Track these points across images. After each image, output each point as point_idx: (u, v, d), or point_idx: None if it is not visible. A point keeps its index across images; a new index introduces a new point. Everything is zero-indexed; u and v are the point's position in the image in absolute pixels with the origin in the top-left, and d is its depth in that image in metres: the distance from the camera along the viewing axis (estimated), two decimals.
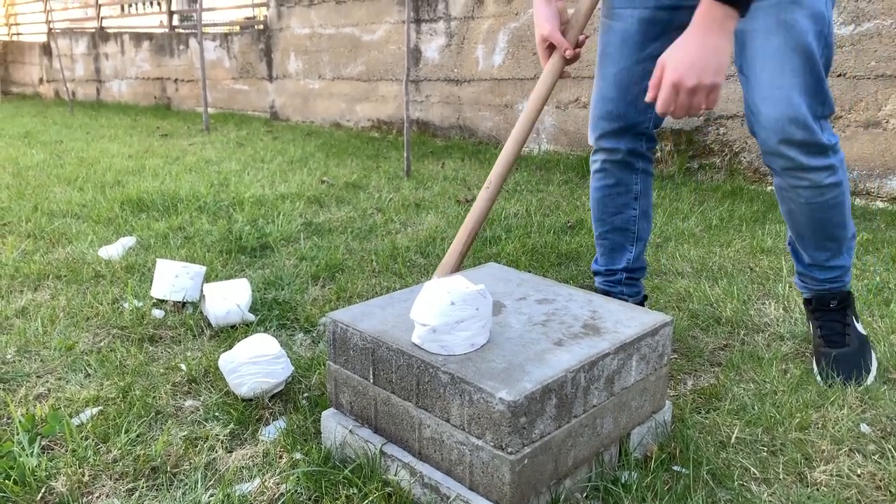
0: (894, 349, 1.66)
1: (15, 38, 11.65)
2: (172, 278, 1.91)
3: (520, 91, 4.78)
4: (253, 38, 6.84)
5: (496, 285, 1.39)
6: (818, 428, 1.35)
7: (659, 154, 3.99)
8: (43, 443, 1.29)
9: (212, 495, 1.14)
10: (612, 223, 1.71)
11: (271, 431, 1.33)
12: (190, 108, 7.74)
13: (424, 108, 5.45)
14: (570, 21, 1.51)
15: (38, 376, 1.55)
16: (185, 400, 1.46)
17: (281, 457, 1.25)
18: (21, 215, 2.90)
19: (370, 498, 1.10)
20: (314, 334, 1.79)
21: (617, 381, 1.15)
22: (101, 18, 9.17)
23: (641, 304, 1.80)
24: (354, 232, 2.73)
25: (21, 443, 1.25)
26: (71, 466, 1.20)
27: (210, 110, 7.12)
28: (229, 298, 1.79)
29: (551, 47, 1.53)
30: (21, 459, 1.20)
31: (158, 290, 1.92)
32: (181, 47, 7.71)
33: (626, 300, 1.73)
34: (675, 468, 1.22)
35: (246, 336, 1.70)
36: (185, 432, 1.33)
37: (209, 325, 1.82)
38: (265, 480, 1.18)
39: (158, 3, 8.81)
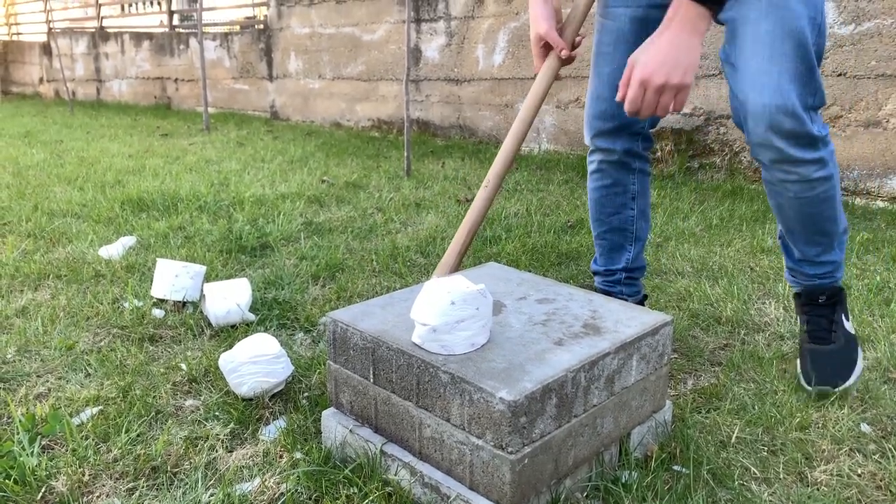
0: (895, 349, 1.66)
1: (15, 37, 11.65)
2: (173, 278, 1.91)
3: (520, 91, 4.78)
4: (253, 37, 6.84)
5: (496, 285, 1.39)
6: (818, 427, 1.35)
7: (659, 153, 3.99)
8: (43, 442, 1.29)
9: (212, 495, 1.14)
10: (609, 223, 1.71)
11: (271, 431, 1.33)
12: (190, 107, 7.74)
13: (424, 108, 5.45)
14: (566, 20, 1.50)
15: (38, 376, 1.55)
16: (185, 399, 1.46)
17: (281, 456, 1.25)
18: (21, 215, 2.90)
19: (370, 497, 1.10)
20: (314, 334, 1.79)
21: (617, 381, 1.15)
22: (101, 18, 9.17)
23: (641, 303, 1.80)
24: (355, 231, 2.73)
25: (21, 442, 1.25)
26: (71, 466, 1.20)
27: (210, 110, 7.12)
28: (229, 298, 1.79)
29: (546, 47, 1.53)
30: (21, 459, 1.20)
31: (158, 290, 1.92)
32: (181, 47, 7.71)
33: (626, 300, 1.72)
34: (676, 468, 1.21)
35: (246, 336, 1.70)
36: (186, 432, 1.33)
37: (209, 324, 1.82)
38: (265, 480, 1.18)
39: (158, 3, 8.81)
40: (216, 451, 1.27)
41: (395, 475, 1.13)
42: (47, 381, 1.53)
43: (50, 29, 9.81)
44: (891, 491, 1.17)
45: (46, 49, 9.94)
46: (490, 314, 1.13)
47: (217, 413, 1.39)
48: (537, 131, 4.70)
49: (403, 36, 5.42)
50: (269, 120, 6.76)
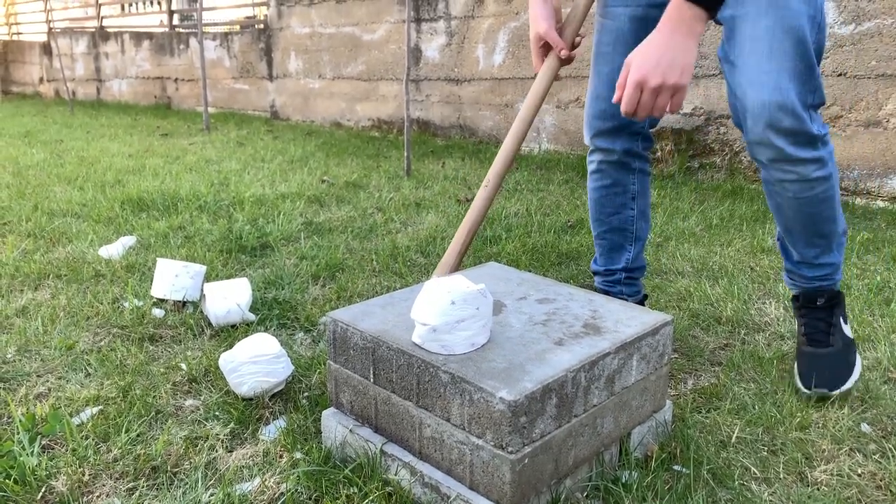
0: (895, 348, 1.66)
1: (15, 37, 11.65)
2: (173, 277, 1.91)
3: (520, 90, 4.78)
4: (253, 37, 6.84)
5: (496, 285, 1.39)
6: (819, 427, 1.35)
7: (659, 153, 3.99)
8: (43, 442, 1.29)
9: (212, 495, 1.14)
10: (609, 223, 1.71)
11: (271, 431, 1.33)
12: (190, 107, 7.74)
13: (425, 108, 5.45)
14: (566, 20, 1.50)
15: (38, 375, 1.55)
16: (185, 399, 1.46)
17: (281, 456, 1.25)
18: (21, 214, 2.90)
19: (370, 497, 1.10)
20: (314, 334, 1.79)
21: (617, 381, 1.15)
22: (102, 18, 9.17)
23: (641, 303, 1.80)
24: (355, 231, 2.73)
25: (21, 442, 1.25)
26: (71, 466, 1.20)
27: (210, 110, 7.12)
28: (229, 298, 1.79)
29: (546, 47, 1.53)
30: (21, 459, 1.20)
31: (159, 290, 1.92)
32: (181, 47, 7.71)
33: (626, 300, 1.72)
34: (676, 468, 1.21)
35: (246, 335, 1.70)
36: (186, 432, 1.33)
37: (209, 324, 1.82)
38: (265, 480, 1.18)
39: (159, 3, 8.81)
40: (216, 451, 1.27)
41: (396, 475, 1.13)
42: (47, 381, 1.53)
43: (50, 29, 9.81)
44: (891, 491, 1.17)
45: (46, 49, 9.94)
46: (490, 314, 1.13)
47: (217, 413, 1.39)
48: (537, 131, 4.70)
49: (403, 36, 5.42)
50: (270, 120, 6.76)
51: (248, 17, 7.96)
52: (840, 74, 3.29)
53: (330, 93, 6.19)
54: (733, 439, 1.31)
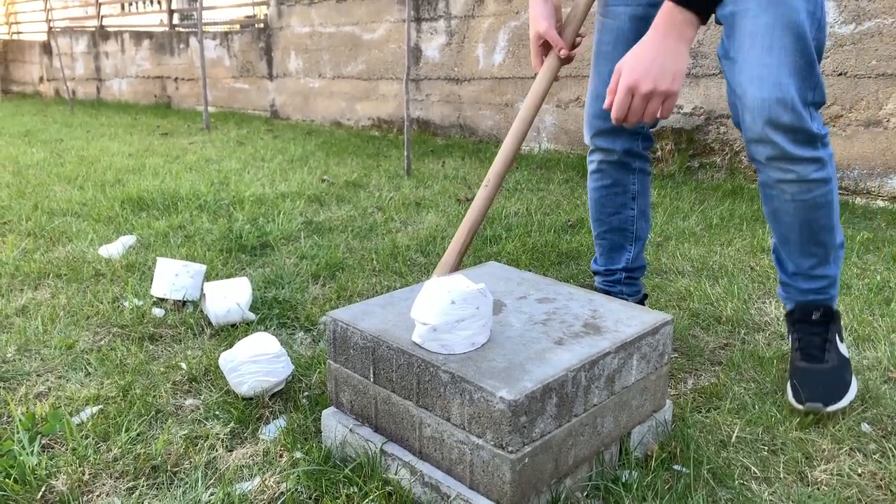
0: (895, 348, 1.66)
1: (15, 36, 11.64)
2: (173, 277, 1.91)
3: (520, 90, 4.78)
4: (253, 36, 6.84)
5: (496, 284, 1.39)
6: (819, 427, 1.35)
7: (659, 153, 3.99)
8: (43, 441, 1.29)
9: (212, 494, 1.14)
10: (609, 223, 1.71)
11: (271, 430, 1.33)
12: (190, 106, 7.74)
13: (425, 107, 5.45)
14: (566, 20, 1.50)
15: (38, 375, 1.55)
16: (185, 399, 1.46)
17: (281, 455, 1.25)
18: (21, 214, 2.90)
19: (370, 497, 1.10)
20: (314, 333, 1.79)
21: (617, 380, 1.15)
22: (102, 17, 9.17)
23: (641, 303, 1.80)
24: (355, 231, 2.73)
25: (21, 441, 1.25)
26: (71, 465, 1.20)
27: (210, 109, 7.12)
28: (229, 297, 1.79)
29: (546, 46, 1.52)
30: (21, 458, 1.19)
31: (159, 289, 1.92)
32: (181, 46, 7.70)
33: (626, 299, 1.72)
34: (676, 467, 1.21)
35: (246, 335, 1.70)
36: (186, 431, 1.33)
37: (209, 323, 1.82)
38: (265, 479, 1.18)
39: (159, 2, 8.81)
40: (216, 451, 1.27)
41: (396, 474, 1.13)
42: (47, 380, 1.53)
43: (50, 28, 9.81)
44: (891, 490, 1.17)
45: (46, 48, 9.93)
46: (490, 313, 1.12)
47: (217, 412, 1.39)
48: (537, 130, 4.69)
49: (404, 35, 5.42)
50: (270, 119, 6.76)
51: (248, 17, 7.95)
52: (840, 74, 3.29)
53: (330, 92, 6.19)
54: (733, 439, 1.31)
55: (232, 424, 1.35)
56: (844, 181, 3.34)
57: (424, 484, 1.08)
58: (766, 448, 1.29)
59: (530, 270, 2.25)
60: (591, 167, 1.70)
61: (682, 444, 1.26)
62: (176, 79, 7.89)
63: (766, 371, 1.57)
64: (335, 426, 1.23)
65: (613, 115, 1.22)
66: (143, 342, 1.72)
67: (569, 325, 1.20)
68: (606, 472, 1.17)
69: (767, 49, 1.23)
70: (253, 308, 1.89)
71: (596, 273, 1.79)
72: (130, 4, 9.32)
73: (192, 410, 1.41)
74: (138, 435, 1.31)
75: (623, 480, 1.15)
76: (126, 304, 1.93)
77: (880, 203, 3.24)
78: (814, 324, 1.45)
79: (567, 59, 1.51)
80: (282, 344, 1.65)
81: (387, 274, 2.23)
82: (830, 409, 1.36)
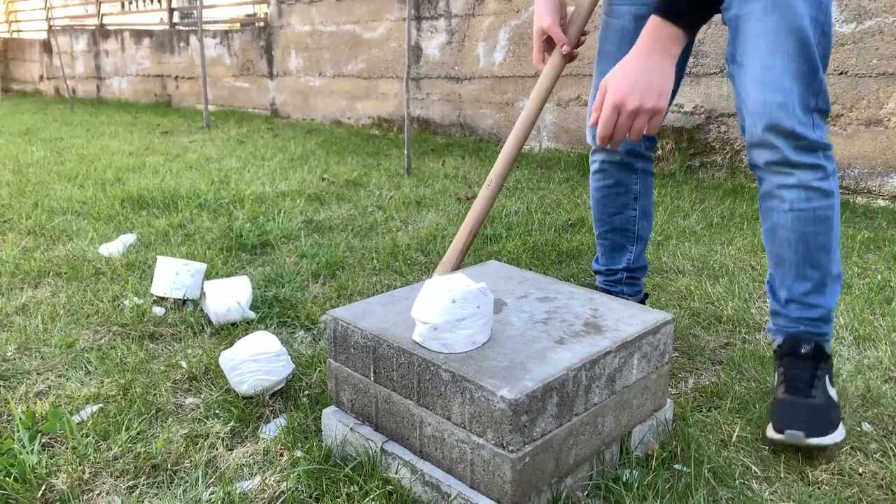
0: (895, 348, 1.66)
1: (15, 35, 11.64)
2: (173, 276, 1.91)
3: (520, 89, 4.77)
4: (253, 35, 6.84)
5: (497, 283, 1.39)
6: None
7: (660, 152, 3.99)
8: (43, 440, 1.29)
9: (212, 493, 1.14)
10: (611, 223, 1.71)
11: (272, 429, 1.33)
12: (190, 105, 7.73)
13: (425, 106, 5.44)
14: (571, 17, 1.50)
15: (38, 373, 1.55)
16: (185, 397, 1.46)
17: (281, 454, 1.25)
18: (21, 212, 2.90)
19: (371, 496, 1.10)
20: (315, 332, 1.79)
21: (618, 380, 1.15)
22: (102, 15, 9.16)
23: (642, 302, 1.79)
24: (355, 229, 2.73)
25: (21, 440, 1.25)
26: (71, 464, 1.20)
27: (210, 107, 7.11)
28: (230, 296, 1.79)
29: (549, 42, 1.52)
30: (21, 457, 1.19)
31: (159, 288, 1.92)
32: (181, 44, 7.70)
33: (627, 299, 1.72)
34: (677, 466, 1.21)
35: (246, 333, 1.70)
36: (186, 430, 1.33)
37: (210, 322, 1.82)
38: (266, 478, 1.18)
39: (159, 1, 8.80)
40: (216, 450, 1.27)
41: (396, 473, 1.13)
42: (47, 379, 1.53)
43: (50, 26, 9.81)
44: (892, 490, 1.17)
45: (47, 46, 9.93)
46: (491, 312, 1.12)
47: (217, 411, 1.39)
48: (538, 129, 4.69)
49: (404, 34, 5.41)
50: (270, 118, 6.76)
51: (248, 15, 7.95)
52: (841, 73, 3.29)
53: (330, 91, 6.19)
54: (734, 438, 1.31)
55: (232, 423, 1.34)
56: (845, 180, 3.34)
57: (425, 483, 1.08)
58: (767, 447, 1.29)
59: (531, 269, 2.25)
60: (593, 167, 1.70)
61: (683, 443, 1.26)
62: (176, 77, 7.89)
63: (766, 370, 1.57)
64: (336, 425, 1.23)
65: (599, 132, 1.19)
66: (143, 341, 1.72)
67: (569, 325, 1.20)
68: (607, 471, 1.17)
69: (771, 53, 1.22)
70: (253, 307, 1.89)
71: (597, 272, 1.79)
72: (131, 3, 9.32)
73: (193, 409, 1.41)
74: (138, 434, 1.31)
75: (624, 480, 1.15)
76: (126, 302, 1.92)
77: (881, 202, 3.24)
78: (802, 358, 1.34)
79: (570, 57, 1.50)
80: (282, 343, 1.65)
81: (387, 273, 2.23)
82: (812, 441, 1.22)
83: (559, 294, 1.34)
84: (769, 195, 1.32)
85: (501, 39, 4.81)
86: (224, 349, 1.59)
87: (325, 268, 2.24)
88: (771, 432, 1.26)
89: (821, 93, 1.25)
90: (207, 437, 1.31)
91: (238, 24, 7.54)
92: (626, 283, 1.74)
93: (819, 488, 1.18)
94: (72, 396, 1.44)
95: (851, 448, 1.29)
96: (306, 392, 1.47)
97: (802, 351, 1.34)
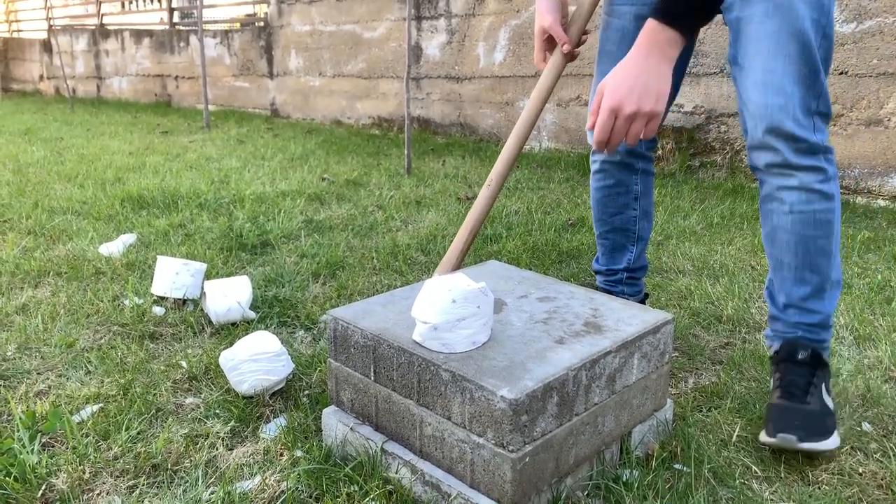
0: None
1: (15, 34, 11.64)
2: (173, 275, 1.91)
3: (521, 89, 4.77)
4: (253, 35, 6.84)
5: (497, 283, 1.39)
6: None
7: (660, 152, 3.99)
8: (43, 440, 1.29)
9: (212, 493, 1.14)
10: (612, 223, 1.71)
11: (272, 429, 1.33)
12: (190, 105, 7.73)
13: (425, 106, 5.44)
14: (572, 16, 1.50)
15: (38, 373, 1.55)
16: (185, 397, 1.46)
17: (282, 454, 1.25)
18: (21, 212, 2.90)
19: (371, 496, 1.10)
20: (315, 332, 1.79)
21: (618, 380, 1.15)
22: (102, 15, 9.16)
23: (642, 302, 1.79)
24: (355, 229, 2.73)
25: (21, 440, 1.25)
26: (71, 463, 1.20)
27: (210, 107, 7.11)
28: (230, 296, 1.79)
29: (550, 41, 1.52)
30: (21, 456, 1.19)
31: (159, 288, 1.92)
32: (182, 44, 7.70)
33: (628, 299, 1.72)
34: (677, 466, 1.21)
35: (246, 333, 1.70)
36: (186, 430, 1.33)
37: (210, 322, 1.82)
38: (266, 478, 1.18)
39: (159, 0, 8.80)
40: (216, 449, 1.27)
41: (396, 473, 1.13)
42: (47, 379, 1.53)
43: (50, 26, 9.81)
44: (892, 490, 1.17)
45: (47, 46, 9.93)
46: (491, 312, 1.12)
47: (217, 411, 1.39)
48: (538, 129, 4.69)
49: (404, 33, 5.41)
50: (270, 117, 6.76)
51: (248, 15, 7.94)
52: (841, 73, 3.29)
53: (330, 91, 6.19)
54: (734, 438, 1.31)
55: (232, 423, 1.34)
56: (845, 180, 3.34)
57: (425, 483, 1.08)
58: (767, 447, 1.29)
59: (531, 269, 2.25)
60: (593, 167, 1.70)
61: (683, 443, 1.26)
62: (176, 77, 7.89)
63: (767, 370, 1.57)
64: (336, 425, 1.23)
65: (596, 136, 1.19)
66: (143, 341, 1.72)
67: (570, 324, 1.20)
68: (607, 471, 1.17)
69: (772, 56, 1.22)
70: (253, 307, 1.89)
71: (597, 272, 1.79)
72: (131, 3, 9.32)
73: (193, 409, 1.41)
74: (139, 433, 1.31)
75: (624, 479, 1.15)
76: (126, 302, 1.92)
77: (881, 202, 3.24)
78: (799, 363, 1.33)
79: (571, 57, 1.50)
80: (282, 342, 1.65)
81: (387, 272, 2.23)
82: (804, 445, 1.21)
83: (559, 294, 1.34)
84: (770, 198, 1.31)
85: (502, 39, 4.81)
86: (224, 349, 1.59)
87: (326, 267, 2.24)
88: (764, 436, 1.25)
89: (822, 96, 1.25)
90: (207, 436, 1.31)
91: (238, 24, 7.54)
92: (627, 283, 1.74)
93: (819, 488, 1.18)
94: (72, 396, 1.44)
95: (851, 448, 1.29)
96: (306, 392, 1.47)
97: (799, 357, 1.33)
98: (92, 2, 9.31)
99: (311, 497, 1.13)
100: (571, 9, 1.53)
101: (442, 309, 1.07)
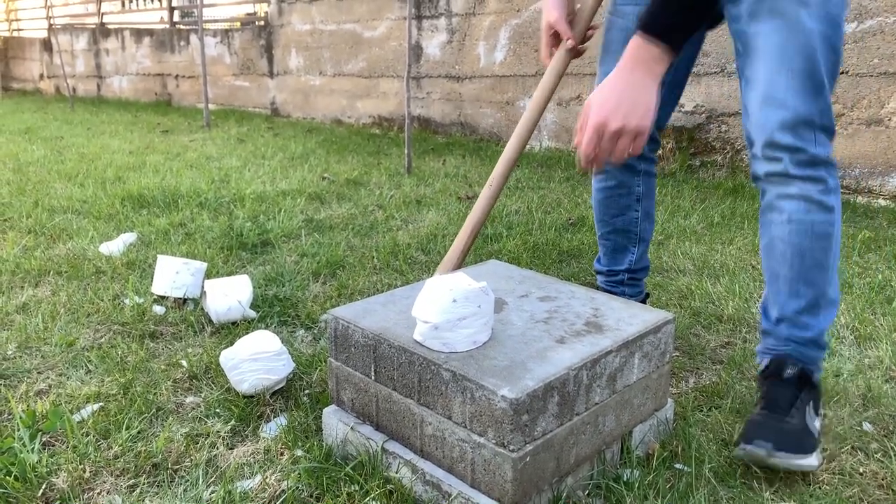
0: None
1: (15, 33, 11.63)
2: (173, 274, 1.91)
3: (521, 88, 4.77)
4: (254, 34, 6.83)
5: (498, 282, 1.39)
6: (822, 424, 1.35)
7: (660, 151, 3.99)
8: (44, 439, 1.28)
9: (213, 492, 1.14)
10: (613, 224, 1.70)
11: (272, 428, 1.33)
12: (191, 104, 7.73)
13: (425, 105, 5.44)
14: (577, 12, 1.50)
15: (38, 372, 1.55)
16: (186, 396, 1.46)
17: (282, 453, 1.25)
18: (22, 211, 2.89)
19: (371, 495, 1.10)
20: (315, 331, 1.79)
21: (619, 379, 1.15)
22: (102, 14, 9.16)
23: (643, 302, 1.79)
24: (355, 228, 2.73)
25: (22, 439, 1.25)
26: (72, 463, 1.20)
27: (211, 106, 7.11)
28: (230, 295, 1.79)
29: (556, 37, 1.52)
30: (22, 455, 1.19)
31: (159, 287, 1.92)
32: (182, 43, 7.70)
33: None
34: (677, 466, 1.21)
35: (247, 333, 1.70)
36: (186, 429, 1.33)
37: (210, 321, 1.82)
38: (266, 477, 1.18)
39: None
40: (217, 449, 1.27)
41: (397, 473, 1.13)
42: (48, 378, 1.53)
43: (50, 25, 9.80)
44: (893, 490, 1.17)
45: (47, 45, 9.92)
46: (492, 312, 1.12)
47: (218, 410, 1.39)
48: (538, 128, 4.69)
49: (405, 33, 5.41)
50: (270, 117, 6.76)
51: (248, 14, 7.94)
52: (842, 72, 3.28)
53: (330, 90, 6.19)
54: (735, 438, 1.31)
55: (233, 422, 1.34)
56: (846, 180, 3.34)
57: (425, 482, 1.08)
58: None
59: (531, 269, 2.24)
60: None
61: (684, 442, 1.26)
62: (176, 76, 7.89)
63: None
64: (336, 424, 1.23)
65: (583, 153, 1.17)
66: (143, 340, 1.72)
67: (570, 324, 1.19)
68: (608, 470, 1.17)
69: (776, 70, 1.21)
70: (254, 306, 1.89)
71: (599, 272, 1.79)
72: (131, 2, 9.32)
73: (193, 408, 1.41)
74: (139, 433, 1.31)
75: (625, 479, 1.15)
76: (127, 301, 1.92)
77: (881, 202, 3.23)
78: (786, 381, 1.28)
79: (577, 53, 1.50)
80: (282, 342, 1.65)
81: (387, 272, 2.23)
82: (777, 459, 1.15)
83: (560, 293, 1.34)
84: (769, 208, 1.29)
85: (502, 38, 4.81)
86: (224, 348, 1.59)
87: (326, 267, 2.24)
88: (736, 448, 1.20)
89: (826, 111, 1.23)
90: (208, 436, 1.31)
91: (238, 23, 7.54)
92: (628, 283, 1.74)
93: (820, 488, 1.18)
94: (72, 395, 1.44)
95: (852, 448, 1.29)
96: (307, 391, 1.47)
97: (786, 374, 1.28)
98: (92, 1, 9.31)
99: (311, 496, 1.13)
100: (578, 6, 1.53)
101: (443, 308, 1.07)
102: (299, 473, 1.17)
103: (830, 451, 1.28)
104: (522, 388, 0.98)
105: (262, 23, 6.79)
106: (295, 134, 5.49)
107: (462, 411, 1.03)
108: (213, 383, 1.50)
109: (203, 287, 1.89)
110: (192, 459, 1.23)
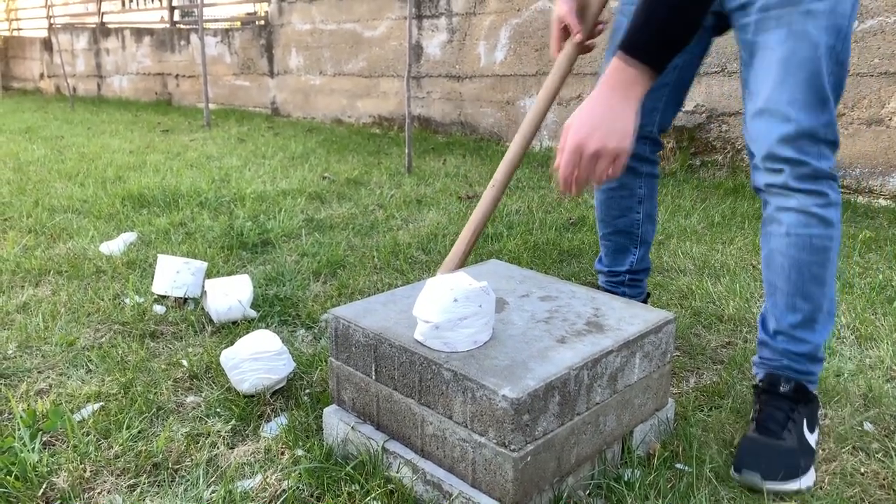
0: None
1: (15, 33, 11.63)
2: (174, 274, 1.91)
3: (521, 87, 4.77)
4: (254, 33, 6.83)
5: (498, 282, 1.39)
6: (821, 426, 1.35)
7: (661, 151, 3.99)
8: (44, 438, 1.28)
9: (213, 491, 1.14)
10: (615, 226, 1.70)
11: (273, 428, 1.33)
12: (191, 103, 7.73)
13: (426, 105, 5.44)
14: (586, 6, 1.50)
15: (39, 372, 1.55)
16: (186, 396, 1.46)
17: (283, 453, 1.25)
18: (22, 210, 2.89)
19: (372, 495, 1.10)
20: (316, 331, 1.79)
21: (620, 379, 1.15)
22: (102, 13, 9.16)
23: (644, 302, 1.79)
24: (356, 228, 2.73)
25: (22, 438, 1.25)
26: (72, 462, 1.20)
27: (211, 106, 7.11)
28: (231, 294, 1.79)
29: (565, 31, 1.52)
30: (22, 455, 1.19)
31: (160, 286, 1.92)
32: (182, 43, 7.69)
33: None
34: (678, 466, 1.21)
35: (247, 332, 1.70)
36: (187, 428, 1.32)
37: (210, 321, 1.81)
38: (267, 477, 1.18)
39: None
40: (217, 448, 1.27)
41: (397, 472, 1.13)
42: (48, 377, 1.52)
43: (50, 24, 9.80)
44: (894, 490, 1.17)
45: (47, 44, 9.92)
46: (493, 311, 1.12)
47: (218, 410, 1.39)
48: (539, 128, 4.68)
49: (405, 32, 5.41)
50: (270, 116, 6.76)
51: (248, 14, 7.94)
52: None
53: (331, 89, 6.19)
54: (736, 437, 1.31)
55: (233, 422, 1.34)
56: (846, 180, 3.34)
57: (426, 482, 1.08)
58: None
59: (532, 268, 2.24)
60: None
61: (685, 442, 1.26)
62: (177, 76, 7.89)
63: None
64: (337, 424, 1.23)
65: (561, 175, 1.16)
66: (144, 339, 1.71)
67: (571, 324, 1.19)
68: (609, 470, 1.17)
69: (779, 83, 1.21)
70: (254, 305, 1.89)
71: (600, 272, 1.78)
72: (131, 1, 9.32)
73: (194, 408, 1.41)
74: (139, 432, 1.31)
75: (625, 479, 1.15)
76: (127, 301, 1.92)
77: (882, 202, 3.23)
78: (779, 397, 1.28)
79: (586, 48, 1.50)
80: (283, 341, 1.65)
81: (388, 271, 2.23)
82: (769, 486, 1.16)
83: (561, 293, 1.33)
84: (770, 220, 1.29)
85: (502, 38, 4.81)
86: (225, 348, 1.59)
87: (326, 266, 2.24)
88: (732, 471, 1.20)
89: (829, 124, 1.22)
90: (208, 435, 1.30)
91: (239, 23, 7.54)
92: (629, 284, 1.74)
93: (821, 488, 1.18)
94: (73, 395, 1.44)
95: (853, 448, 1.29)
96: (307, 391, 1.47)
97: (781, 389, 1.28)
98: (92, 0, 9.30)
99: (312, 496, 1.13)
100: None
101: (443, 308, 1.07)
102: (300, 473, 1.17)
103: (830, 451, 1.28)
104: (523, 387, 0.98)
105: (262, 22, 6.79)
106: (295, 133, 5.49)
107: (463, 411, 1.03)
108: (214, 383, 1.50)
109: (203, 286, 1.89)
110: (192, 459, 1.23)
